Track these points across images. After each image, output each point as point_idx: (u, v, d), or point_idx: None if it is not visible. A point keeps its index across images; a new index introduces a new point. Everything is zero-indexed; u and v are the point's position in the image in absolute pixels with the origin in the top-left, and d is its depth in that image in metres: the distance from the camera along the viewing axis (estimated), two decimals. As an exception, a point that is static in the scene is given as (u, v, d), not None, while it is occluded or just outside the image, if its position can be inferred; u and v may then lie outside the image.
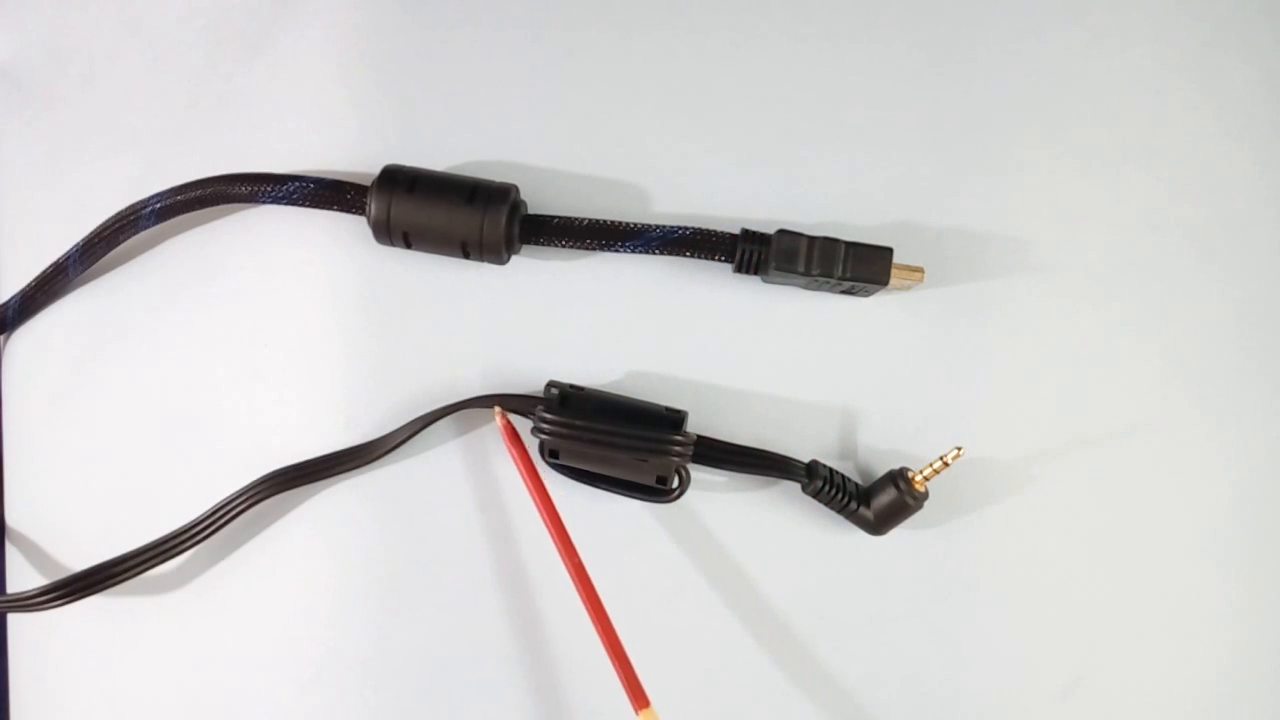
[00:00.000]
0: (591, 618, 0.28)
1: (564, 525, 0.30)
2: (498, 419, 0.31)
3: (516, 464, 0.30)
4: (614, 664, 0.28)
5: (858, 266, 0.29)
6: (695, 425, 0.31)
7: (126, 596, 0.33)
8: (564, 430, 0.29)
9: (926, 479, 0.30)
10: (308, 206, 0.31)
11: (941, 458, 0.30)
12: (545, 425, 0.29)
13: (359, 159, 0.32)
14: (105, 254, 0.33)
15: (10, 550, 0.36)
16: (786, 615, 0.32)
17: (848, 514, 0.30)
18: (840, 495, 0.30)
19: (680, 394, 0.32)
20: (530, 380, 0.32)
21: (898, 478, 0.30)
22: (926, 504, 0.30)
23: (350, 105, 0.32)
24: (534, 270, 0.32)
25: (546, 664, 0.32)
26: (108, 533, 0.33)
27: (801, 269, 0.29)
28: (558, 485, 0.31)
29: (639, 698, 0.27)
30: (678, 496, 0.30)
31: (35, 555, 0.35)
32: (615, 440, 0.29)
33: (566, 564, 0.29)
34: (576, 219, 0.31)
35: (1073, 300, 0.32)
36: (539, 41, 0.32)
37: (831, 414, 0.32)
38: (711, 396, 0.32)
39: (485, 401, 0.31)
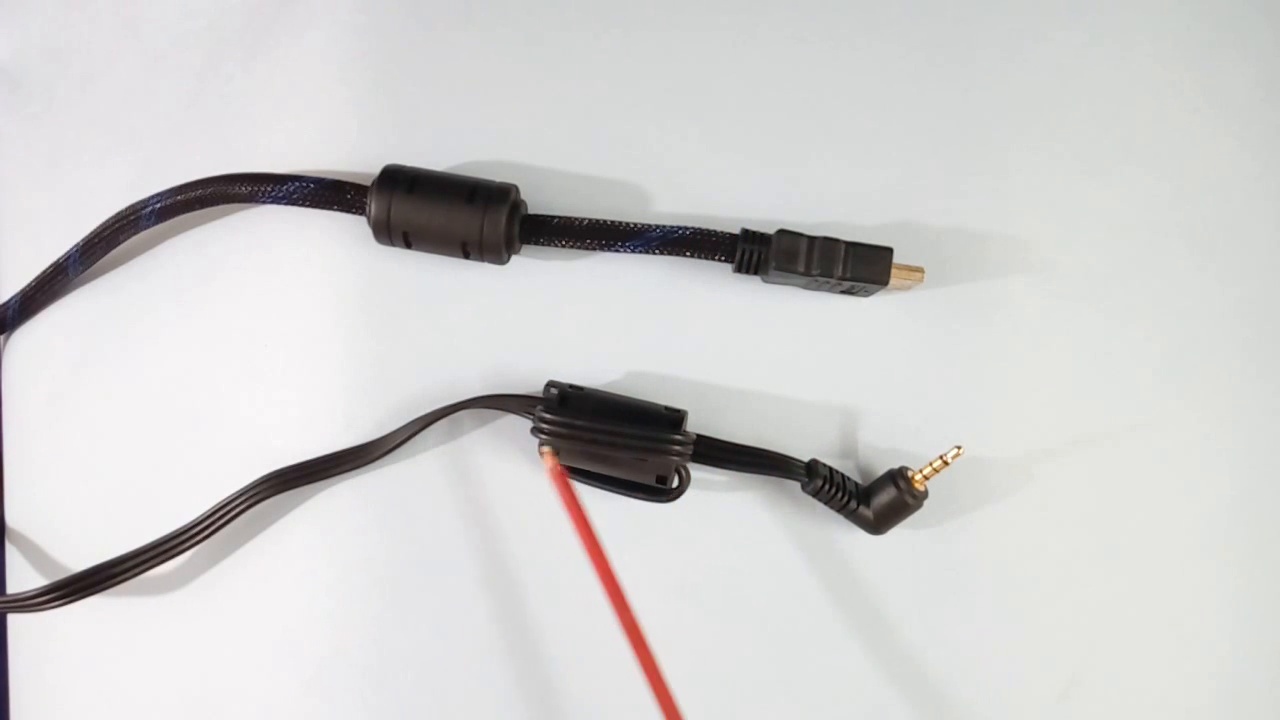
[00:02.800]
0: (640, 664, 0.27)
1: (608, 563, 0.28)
2: (546, 461, 0.29)
3: (565, 506, 0.29)
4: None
5: (858, 266, 0.29)
6: (695, 425, 0.31)
7: (126, 596, 0.33)
8: (564, 430, 0.29)
9: (926, 478, 0.30)
10: (308, 206, 0.31)
11: (941, 456, 0.30)
12: (545, 425, 0.29)
13: (359, 159, 0.32)
14: (105, 254, 0.33)
15: (10, 550, 0.36)
16: (786, 615, 0.32)
17: (847, 513, 0.30)
18: (840, 494, 0.30)
19: (680, 394, 0.32)
20: (530, 380, 0.32)
21: (897, 477, 0.30)
22: (926, 503, 0.30)
23: (350, 105, 0.32)
24: (534, 270, 0.32)
25: (546, 664, 0.32)
26: (108, 533, 0.33)
27: (801, 269, 0.29)
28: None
29: None
30: (678, 496, 0.30)
31: (35, 555, 0.35)
32: (615, 440, 0.29)
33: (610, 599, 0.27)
34: (576, 219, 0.31)
35: (1073, 300, 0.32)
36: (538, 42, 0.32)
37: (831, 413, 0.32)
38: (711, 396, 0.32)
39: (485, 402, 0.31)
